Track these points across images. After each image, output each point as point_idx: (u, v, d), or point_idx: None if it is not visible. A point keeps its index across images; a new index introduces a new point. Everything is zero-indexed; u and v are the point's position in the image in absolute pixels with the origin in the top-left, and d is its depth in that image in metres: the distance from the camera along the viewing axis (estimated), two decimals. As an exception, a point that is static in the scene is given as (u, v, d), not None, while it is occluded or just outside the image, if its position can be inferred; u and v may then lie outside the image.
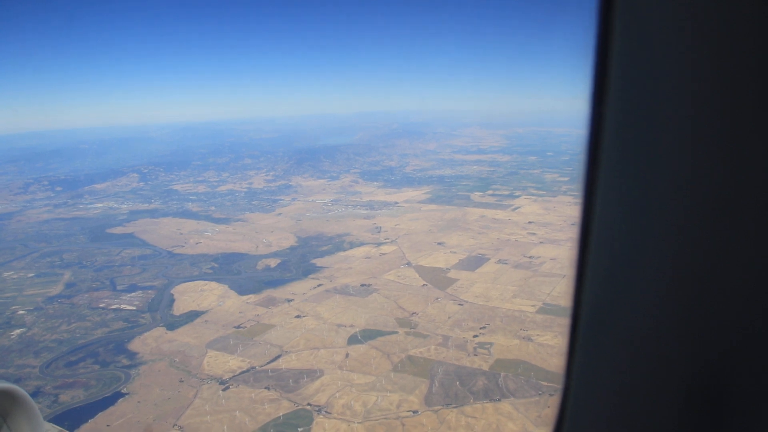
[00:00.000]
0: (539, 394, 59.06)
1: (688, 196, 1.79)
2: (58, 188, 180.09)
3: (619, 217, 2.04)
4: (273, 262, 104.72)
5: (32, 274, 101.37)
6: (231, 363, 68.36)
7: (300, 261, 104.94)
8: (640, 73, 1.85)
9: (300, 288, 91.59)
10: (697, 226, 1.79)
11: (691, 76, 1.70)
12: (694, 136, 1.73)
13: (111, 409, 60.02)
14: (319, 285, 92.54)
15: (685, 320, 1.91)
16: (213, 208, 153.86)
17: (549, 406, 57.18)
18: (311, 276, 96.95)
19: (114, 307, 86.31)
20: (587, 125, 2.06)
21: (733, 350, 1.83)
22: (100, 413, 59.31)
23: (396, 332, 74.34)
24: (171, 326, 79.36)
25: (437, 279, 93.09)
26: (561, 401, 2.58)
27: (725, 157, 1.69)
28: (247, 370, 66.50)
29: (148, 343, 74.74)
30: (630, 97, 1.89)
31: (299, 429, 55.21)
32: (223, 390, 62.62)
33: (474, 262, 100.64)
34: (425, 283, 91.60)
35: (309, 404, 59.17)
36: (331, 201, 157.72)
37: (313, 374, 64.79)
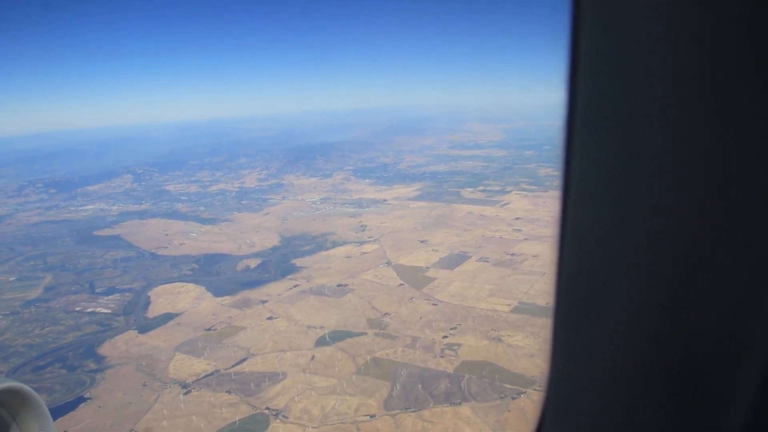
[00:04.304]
0: (501, 398, 58.10)
1: (665, 185, 1.79)
2: (52, 190, 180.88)
3: (594, 208, 2.03)
4: (253, 263, 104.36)
5: (13, 278, 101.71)
6: (196, 366, 68.04)
7: (280, 261, 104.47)
8: (614, 55, 1.84)
9: (276, 289, 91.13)
10: (674, 216, 1.80)
11: (669, 63, 1.68)
12: (671, 125, 1.73)
13: (71, 414, 59.87)
14: (295, 286, 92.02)
15: (664, 313, 1.92)
16: (202, 208, 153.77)
17: (510, 410, 56.22)
18: (289, 276, 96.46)
19: (89, 310, 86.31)
20: (564, 114, 2.03)
21: (716, 341, 1.85)
22: (59, 418, 59.01)
23: (365, 333, 73.67)
24: (143, 329, 79.21)
25: (415, 278, 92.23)
26: (545, 396, 2.52)
27: (701, 148, 1.68)
28: (211, 374, 66.13)
29: (117, 346, 74.62)
30: (602, 82, 1.89)
31: (254, 434, 54.83)
32: (185, 394, 62.29)
33: (454, 261, 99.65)
34: (402, 282, 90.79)
35: (267, 408, 58.70)
36: (321, 199, 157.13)
37: (275, 377, 64.30)
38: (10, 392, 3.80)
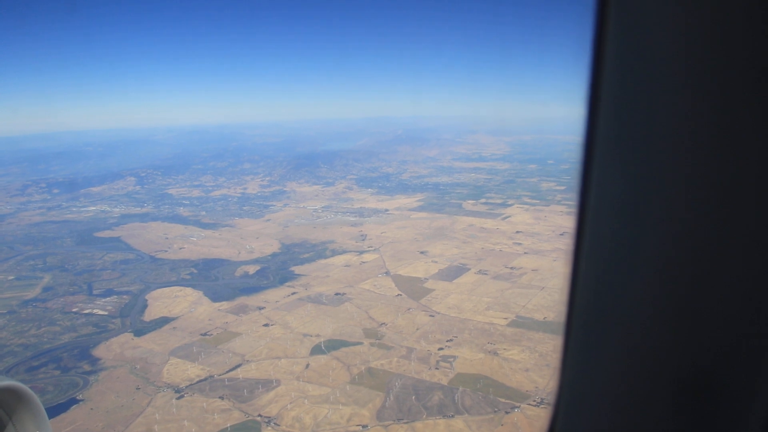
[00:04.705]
0: (494, 411, 57.75)
1: (680, 197, 1.86)
2: (55, 190, 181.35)
3: (611, 219, 2.11)
4: (252, 269, 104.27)
5: (12, 277, 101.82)
6: (190, 371, 67.82)
7: (279, 268, 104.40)
8: (634, 75, 1.91)
9: (274, 296, 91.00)
10: (687, 228, 1.86)
11: (685, 81, 1.76)
12: (687, 140, 1.80)
13: (62, 415, 59.65)
14: (293, 293, 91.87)
15: (678, 322, 1.97)
16: (203, 212, 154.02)
17: (502, 424, 55.88)
18: (287, 284, 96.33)
19: (86, 311, 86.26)
20: (583, 129, 2.12)
21: (726, 351, 1.89)
22: (50, 420, 58.72)
23: (361, 343, 73.43)
24: (139, 332, 79.08)
25: (413, 289, 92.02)
26: (555, 402, 2.58)
27: (715, 161, 1.74)
28: (205, 379, 65.91)
29: (112, 349, 74.47)
30: (623, 100, 1.96)
31: (244, 441, 54.57)
32: (177, 399, 62.07)
33: (453, 273, 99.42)
34: (400, 293, 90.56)
35: (259, 415, 58.43)
36: (322, 207, 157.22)
37: (269, 384, 64.05)
38: (8, 391, 3.80)
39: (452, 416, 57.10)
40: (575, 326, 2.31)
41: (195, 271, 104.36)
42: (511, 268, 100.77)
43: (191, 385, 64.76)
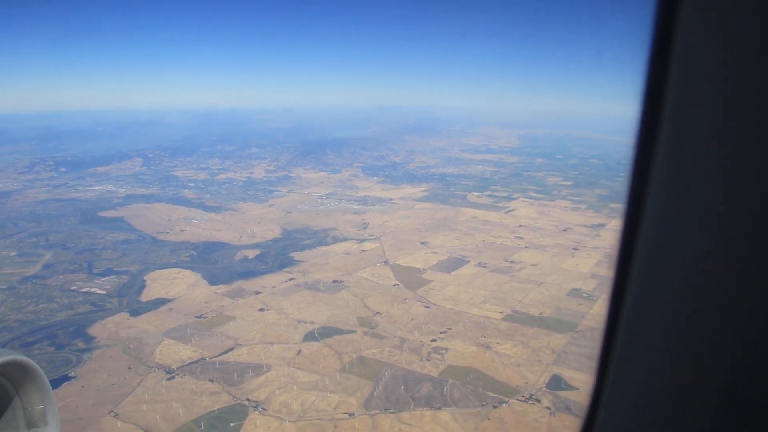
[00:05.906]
0: (482, 405, 57.48)
1: (740, 200, 1.83)
2: (63, 169, 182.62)
3: (669, 220, 2.08)
4: (252, 253, 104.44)
5: (14, 254, 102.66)
6: (183, 353, 68.09)
7: (279, 253, 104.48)
8: (703, 80, 1.85)
9: (271, 281, 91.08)
10: (744, 230, 1.83)
11: (755, 83, 1.71)
12: (755, 143, 1.76)
13: (53, 392, 59.80)
14: (291, 279, 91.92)
15: (726, 322, 1.97)
16: (208, 195, 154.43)
17: (489, 419, 55.61)
18: (286, 269, 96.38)
19: (85, 290, 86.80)
20: (638, 128, 2.09)
21: None
22: (41, 396, 59.35)
23: (354, 331, 73.35)
24: (135, 312, 79.49)
25: (411, 279, 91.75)
26: (592, 400, 2.59)
27: None
28: (197, 361, 66.14)
29: (107, 328, 74.93)
30: (689, 102, 1.92)
31: (231, 424, 54.63)
32: (168, 380, 62.33)
33: (452, 264, 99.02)
34: (397, 282, 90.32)
35: (247, 399, 58.58)
36: (327, 194, 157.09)
37: (259, 369, 64.18)
38: (14, 364, 3.85)
39: (439, 408, 56.92)
40: (620, 330, 2.26)
41: (195, 253, 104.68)
42: (511, 261, 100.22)
43: (182, 366, 65.01)
